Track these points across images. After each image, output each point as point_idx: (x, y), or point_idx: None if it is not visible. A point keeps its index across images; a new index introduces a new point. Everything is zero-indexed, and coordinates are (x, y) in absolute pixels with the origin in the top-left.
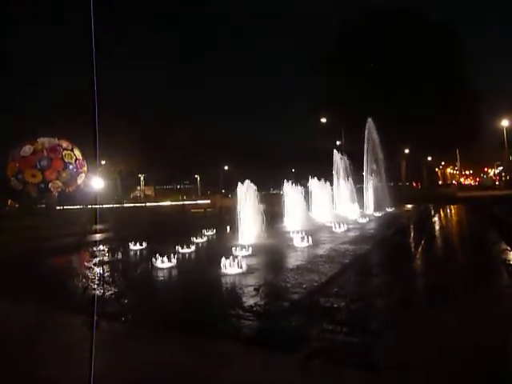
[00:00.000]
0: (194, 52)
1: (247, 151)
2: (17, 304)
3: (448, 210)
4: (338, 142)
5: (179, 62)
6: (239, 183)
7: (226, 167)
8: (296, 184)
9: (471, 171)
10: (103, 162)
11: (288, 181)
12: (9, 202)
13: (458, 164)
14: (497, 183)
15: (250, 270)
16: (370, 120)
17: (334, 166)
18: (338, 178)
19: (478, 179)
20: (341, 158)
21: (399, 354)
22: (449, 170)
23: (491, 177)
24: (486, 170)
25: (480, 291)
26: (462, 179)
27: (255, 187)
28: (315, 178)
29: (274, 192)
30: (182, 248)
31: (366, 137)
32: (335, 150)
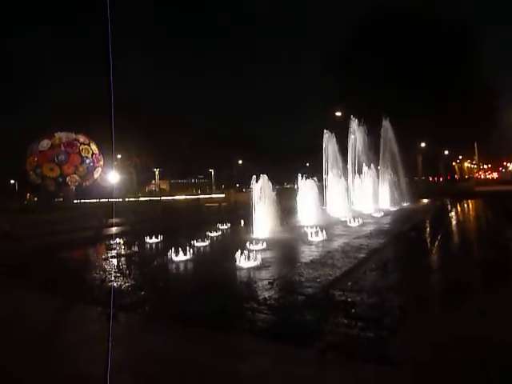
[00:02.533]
0: (208, 49)
1: (261, 146)
2: (40, 295)
3: (465, 205)
4: (352, 137)
5: (194, 59)
6: (254, 178)
7: (240, 161)
8: (310, 178)
9: (489, 165)
10: (119, 157)
11: (302, 175)
12: (27, 196)
13: (475, 158)
14: None
15: (265, 264)
16: (385, 115)
17: (349, 161)
18: (352, 173)
19: (497, 173)
20: (356, 153)
21: (414, 349)
22: (466, 164)
23: (510, 171)
24: (504, 164)
25: (497, 287)
26: (480, 173)
27: (269, 182)
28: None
29: (288, 186)
30: (198, 241)
31: (381, 132)
32: (350, 144)
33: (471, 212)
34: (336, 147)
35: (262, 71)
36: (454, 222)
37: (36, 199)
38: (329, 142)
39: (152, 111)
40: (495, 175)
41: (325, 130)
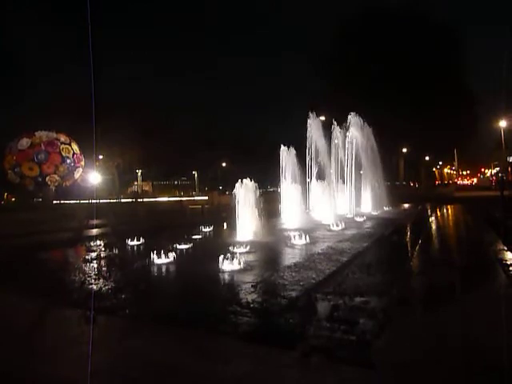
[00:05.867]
0: (194, 49)
1: (245, 148)
2: (18, 297)
3: (445, 210)
4: (336, 141)
5: (179, 58)
6: (237, 181)
7: (224, 164)
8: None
9: (468, 171)
10: (101, 157)
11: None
12: (5, 195)
13: (455, 164)
14: (493, 184)
15: (248, 267)
16: (368, 121)
17: (332, 165)
18: (335, 176)
19: (476, 179)
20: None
21: (396, 352)
22: (446, 170)
23: (488, 177)
24: (483, 170)
25: (477, 290)
26: (459, 179)
27: (253, 185)
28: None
29: (272, 190)
30: (180, 244)
31: (364, 137)
32: (333, 148)
33: (451, 217)
34: (319, 151)
35: (249, 71)
36: (434, 227)
37: (14, 199)
38: (312, 146)
39: (136, 111)
40: (474, 181)
41: (308, 135)
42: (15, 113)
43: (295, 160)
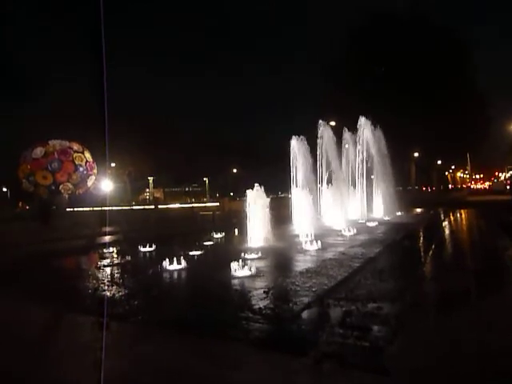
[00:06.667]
0: (200, 54)
1: (255, 154)
2: (31, 303)
3: (458, 215)
4: (346, 145)
5: (187, 63)
6: (248, 187)
7: (235, 170)
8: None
9: (482, 175)
10: (113, 165)
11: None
12: (20, 204)
13: (468, 168)
14: (508, 187)
15: (260, 273)
16: (379, 125)
17: (343, 169)
18: (346, 181)
19: (490, 183)
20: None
21: (410, 358)
22: (459, 174)
23: (502, 181)
24: (496, 174)
25: (491, 296)
26: (472, 183)
27: (263, 191)
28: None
29: (283, 195)
30: (191, 250)
31: (375, 141)
32: (344, 153)
33: (464, 221)
34: (329, 156)
35: (253, 72)
36: (447, 231)
37: (27, 207)
38: (323, 152)
39: (147, 118)
40: (487, 184)
41: (318, 141)
42: (29, 122)
43: (307, 154)
